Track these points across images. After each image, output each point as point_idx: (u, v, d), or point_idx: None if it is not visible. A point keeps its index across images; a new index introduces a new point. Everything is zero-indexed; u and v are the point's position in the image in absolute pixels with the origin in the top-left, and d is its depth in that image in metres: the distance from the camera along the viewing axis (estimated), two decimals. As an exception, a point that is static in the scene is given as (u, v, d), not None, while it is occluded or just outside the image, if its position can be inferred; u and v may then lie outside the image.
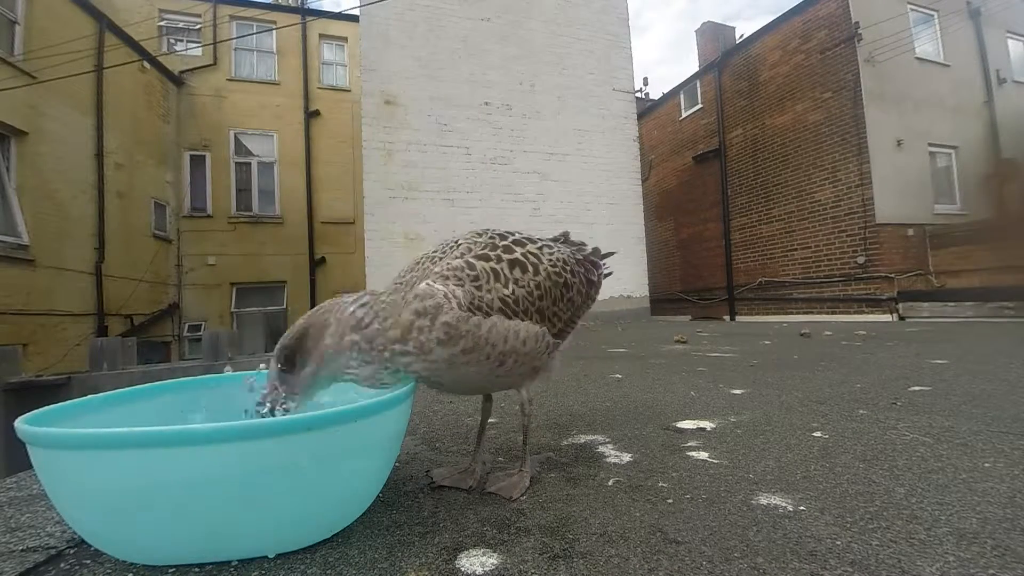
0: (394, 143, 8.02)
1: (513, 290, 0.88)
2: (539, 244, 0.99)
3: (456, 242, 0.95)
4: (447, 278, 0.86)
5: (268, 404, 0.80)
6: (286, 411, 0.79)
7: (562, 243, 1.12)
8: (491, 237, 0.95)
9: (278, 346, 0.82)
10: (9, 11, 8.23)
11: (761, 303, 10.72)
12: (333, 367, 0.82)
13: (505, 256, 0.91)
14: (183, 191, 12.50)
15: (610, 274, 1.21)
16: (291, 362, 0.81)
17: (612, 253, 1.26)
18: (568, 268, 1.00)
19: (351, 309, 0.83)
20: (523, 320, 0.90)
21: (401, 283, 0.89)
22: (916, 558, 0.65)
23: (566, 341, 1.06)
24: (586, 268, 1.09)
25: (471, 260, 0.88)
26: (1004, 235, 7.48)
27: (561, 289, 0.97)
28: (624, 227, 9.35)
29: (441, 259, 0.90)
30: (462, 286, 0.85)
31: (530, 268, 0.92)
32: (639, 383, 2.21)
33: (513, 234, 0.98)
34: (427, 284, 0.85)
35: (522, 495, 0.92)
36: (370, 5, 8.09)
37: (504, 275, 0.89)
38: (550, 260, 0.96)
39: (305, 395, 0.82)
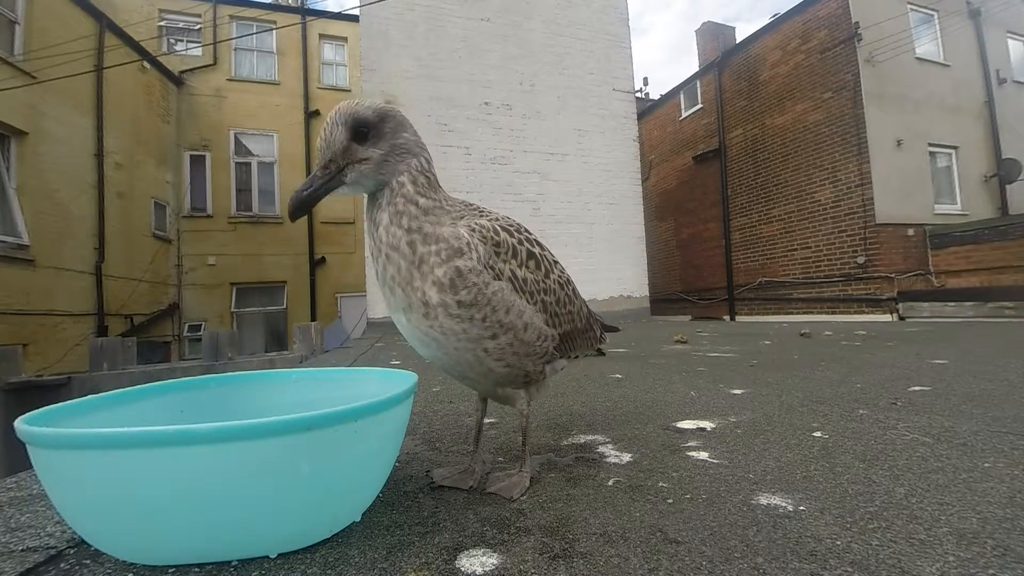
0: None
1: (524, 272, 0.89)
2: (555, 259, 1.02)
3: (480, 210, 0.94)
4: (473, 230, 0.84)
5: (338, 164, 0.77)
6: (343, 181, 0.78)
7: None
8: (518, 223, 0.96)
9: (350, 113, 0.78)
10: (9, 11, 8.23)
11: (761, 303, 10.73)
12: (393, 165, 0.81)
13: (526, 244, 0.92)
14: (183, 191, 12.51)
15: (602, 353, 1.28)
16: (362, 136, 0.79)
17: (617, 328, 1.35)
18: (572, 288, 1.03)
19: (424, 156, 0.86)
20: (529, 304, 0.89)
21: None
22: (916, 558, 0.65)
23: (561, 363, 1.04)
24: (590, 312, 1.12)
25: (497, 227, 0.88)
26: None
27: (564, 297, 0.99)
28: (624, 227, 9.35)
29: (464, 215, 0.89)
30: (484, 244, 0.84)
31: (543, 268, 0.94)
32: (639, 383, 2.21)
33: (534, 235, 1.00)
34: (455, 227, 0.83)
35: (522, 495, 0.92)
36: (370, 5, 8.09)
37: (521, 257, 0.89)
38: (559, 273, 1.00)
39: (360, 177, 0.79)
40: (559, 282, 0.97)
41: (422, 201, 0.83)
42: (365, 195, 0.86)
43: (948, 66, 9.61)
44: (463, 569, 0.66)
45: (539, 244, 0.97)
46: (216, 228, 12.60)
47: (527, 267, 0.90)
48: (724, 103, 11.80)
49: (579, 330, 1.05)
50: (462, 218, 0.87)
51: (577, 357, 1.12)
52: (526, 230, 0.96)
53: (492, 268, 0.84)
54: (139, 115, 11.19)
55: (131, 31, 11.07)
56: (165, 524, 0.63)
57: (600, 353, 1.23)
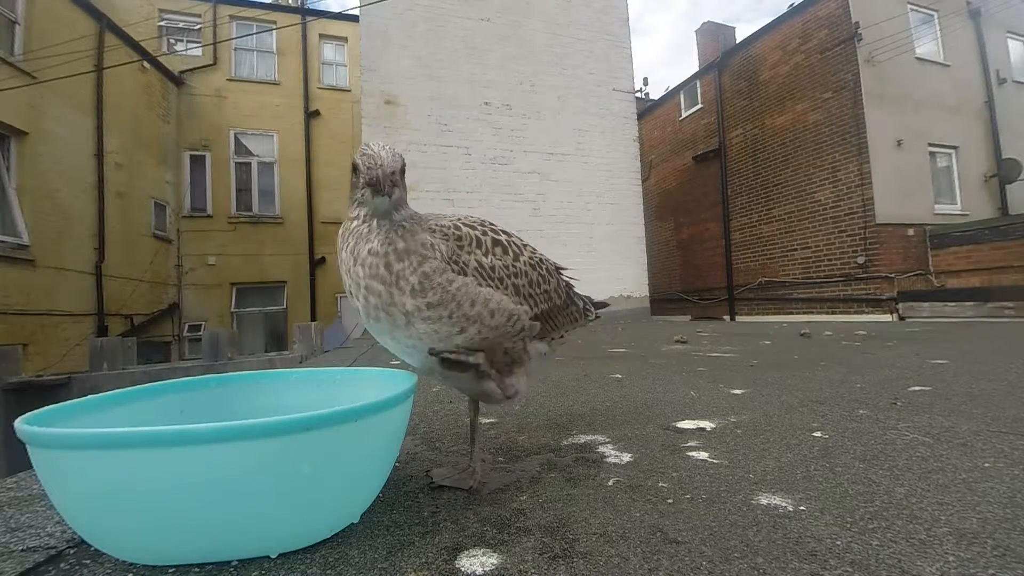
0: (394, 143, 7.98)
1: (491, 260, 0.92)
2: (525, 243, 1.03)
3: (447, 216, 0.99)
4: (433, 231, 0.89)
5: (396, 195, 0.83)
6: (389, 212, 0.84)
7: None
8: (483, 219, 0.99)
9: (399, 162, 0.85)
10: (9, 11, 8.23)
11: (761, 303, 10.72)
12: (400, 208, 0.87)
13: (491, 234, 0.95)
14: (183, 191, 12.51)
15: (597, 317, 1.25)
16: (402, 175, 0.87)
17: (606, 304, 1.35)
18: (545, 267, 1.04)
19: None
20: (499, 289, 0.91)
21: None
22: (916, 558, 0.65)
23: (545, 345, 1.05)
24: (568, 287, 1.13)
25: (459, 224, 0.92)
26: None
27: (537, 277, 1.00)
28: (624, 227, 9.35)
29: (430, 220, 0.94)
30: (446, 242, 0.88)
31: (511, 253, 0.96)
32: (639, 383, 2.21)
33: (500, 227, 1.02)
34: (423, 235, 0.88)
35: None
36: (370, 5, 8.09)
37: (486, 246, 0.92)
38: (530, 255, 1.01)
39: (394, 204, 0.85)
40: (530, 263, 0.99)
41: (408, 224, 0.88)
42: (341, 230, 0.89)
43: (948, 66, 9.61)
44: (463, 569, 0.66)
45: (506, 233, 0.99)
46: (216, 228, 12.59)
47: (493, 254, 0.92)
48: (724, 103, 11.80)
49: (559, 307, 1.06)
50: (427, 221, 0.92)
51: (563, 337, 1.13)
52: (491, 223, 0.99)
53: (456, 263, 0.87)
54: (139, 115, 11.19)
55: (131, 31, 11.07)
56: (165, 524, 0.63)
57: (597, 316, 1.24)
